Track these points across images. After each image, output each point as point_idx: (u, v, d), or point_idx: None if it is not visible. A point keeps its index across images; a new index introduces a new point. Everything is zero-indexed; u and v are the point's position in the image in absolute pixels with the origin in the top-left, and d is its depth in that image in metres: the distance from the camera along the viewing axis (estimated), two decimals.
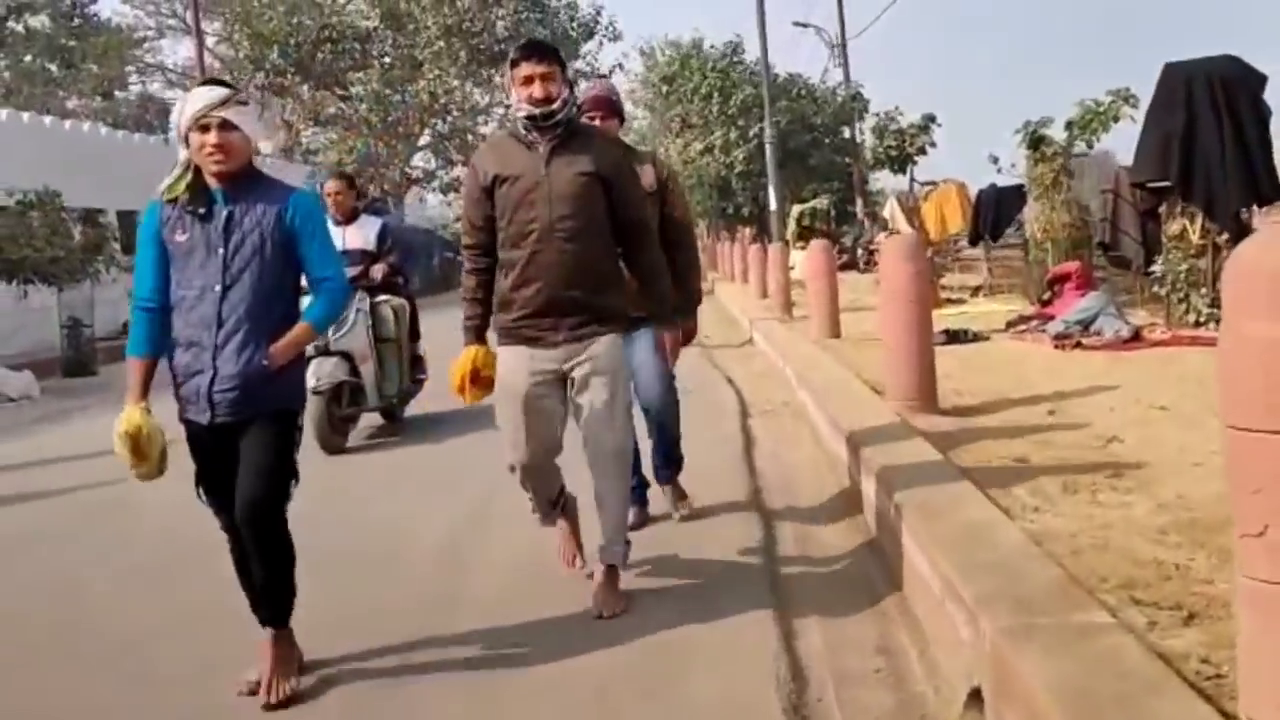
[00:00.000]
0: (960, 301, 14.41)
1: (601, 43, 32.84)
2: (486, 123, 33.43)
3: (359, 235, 7.94)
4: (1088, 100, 12.91)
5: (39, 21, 38.30)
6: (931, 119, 18.81)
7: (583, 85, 5.18)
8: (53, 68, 38.31)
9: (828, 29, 31.71)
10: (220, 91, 3.45)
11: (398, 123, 30.36)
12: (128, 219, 26.00)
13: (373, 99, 29.36)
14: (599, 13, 32.43)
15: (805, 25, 32.34)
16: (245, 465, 3.45)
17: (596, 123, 4.63)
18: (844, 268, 24.46)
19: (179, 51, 42.31)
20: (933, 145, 18.71)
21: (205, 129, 3.38)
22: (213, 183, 3.46)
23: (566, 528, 4.51)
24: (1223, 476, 2.34)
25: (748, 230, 33.39)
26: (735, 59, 30.67)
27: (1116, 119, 12.69)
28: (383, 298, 8.04)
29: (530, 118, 3.86)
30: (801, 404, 7.87)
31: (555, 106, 3.83)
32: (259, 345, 3.42)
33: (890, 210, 20.11)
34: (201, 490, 3.59)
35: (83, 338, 17.01)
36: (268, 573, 3.51)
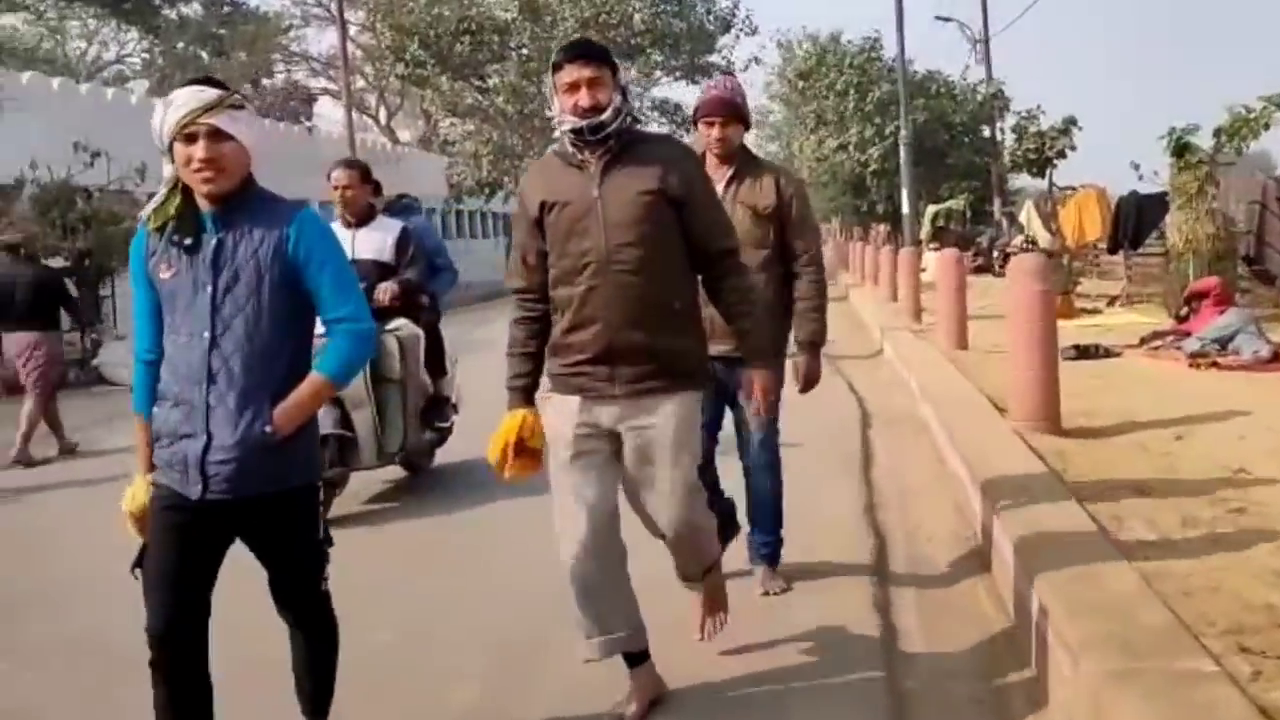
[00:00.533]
0: (1096, 312, 14.02)
1: (738, 36, 32.79)
2: None
3: (372, 242, 6.31)
4: (1238, 106, 12.42)
5: (192, 9, 39.96)
6: (1072, 122, 18.31)
7: (716, 78, 4.51)
8: (204, 55, 39.96)
9: (970, 24, 30.86)
10: (210, 93, 2.81)
11: (533, 115, 30.79)
12: None
13: (509, 91, 29.85)
14: (736, 6, 32.34)
15: (947, 19, 31.67)
16: (274, 563, 2.94)
17: (714, 130, 4.20)
18: (978, 270, 24.00)
19: (323, 41, 43.67)
20: (1073, 149, 18.23)
21: (191, 139, 2.76)
22: (203, 205, 2.84)
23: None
24: None
25: (882, 228, 32.97)
26: (873, 55, 30.24)
27: (1268, 126, 12.18)
28: (393, 324, 6.25)
29: (576, 131, 3.22)
30: (924, 418, 7.81)
31: (606, 117, 3.19)
32: (261, 407, 2.77)
33: (1026, 214, 19.65)
34: (139, 573, 2.85)
35: None
36: (314, 658, 3.05)
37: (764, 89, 36.44)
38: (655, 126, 35.12)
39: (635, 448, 3.29)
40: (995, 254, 25.16)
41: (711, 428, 4.21)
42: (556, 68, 3.26)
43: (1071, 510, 4.48)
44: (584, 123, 3.18)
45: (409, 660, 4.02)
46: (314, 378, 2.86)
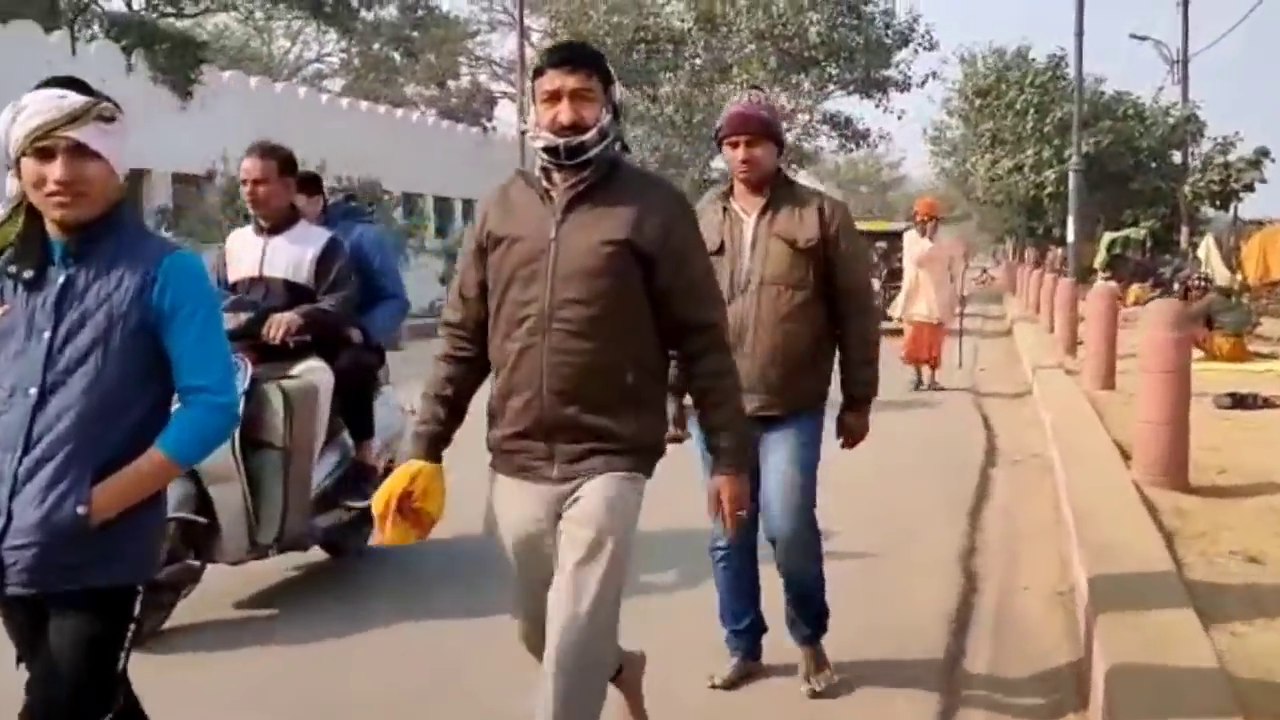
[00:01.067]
0: (1273, 357, 13.20)
1: (916, 51, 32.09)
2: (790, 128, 33.49)
3: (287, 255, 4.87)
4: None
5: (387, 12, 41.62)
6: (1264, 153, 17.28)
7: (742, 94, 3.72)
8: (395, 56, 41.54)
9: (1168, 42, 29.47)
10: (74, 99, 2.25)
11: (701, 124, 30.93)
12: (443, 204, 28.08)
13: (679, 100, 30.06)
14: (916, 20, 31.72)
15: (1143, 38, 30.34)
16: (41, 666, 2.28)
17: (739, 150, 3.56)
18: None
19: (506, 45, 44.85)
20: (1263, 181, 17.19)
21: (47, 155, 2.24)
22: (53, 233, 2.31)
23: (625, 704, 3.19)
24: None
25: (1059, 252, 31.85)
26: (1057, 73, 29.23)
27: None
28: (296, 369, 4.77)
29: (550, 150, 2.67)
30: (1052, 459, 7.55)
31: (588, 137, 2.65)
32: (78, 483, 2.23)
33: (1205, 249, 18.65)
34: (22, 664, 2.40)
35: None
36: None
37: (942, 104, 35.50)
38: (825, 140, 34.84)
39: (561, 527, 2.72)
40: (1177, 287, 23.99)
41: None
42: (538, 73, 2.72)
43: (1166, 573, 4.29)
44: (560, 141, 2.65)
45: None
46: (152, 453, 2.29)
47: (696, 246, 2.86)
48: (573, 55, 2.75)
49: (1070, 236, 18.71)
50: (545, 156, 2.71)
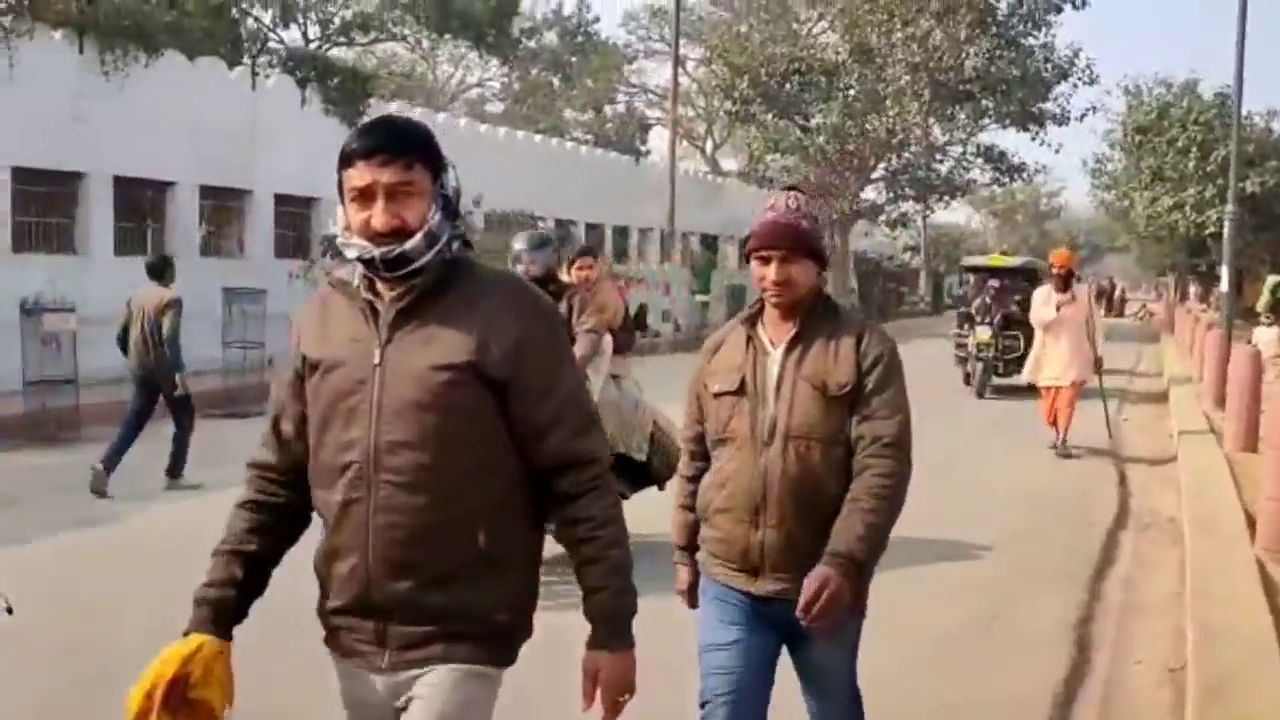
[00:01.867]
0: None
1: (1076, 85, 31.47)
2: (942, 160, 33.23)
3: None
4: None
5: (548, 38, 42.87)
6: None
7: (777, 195, 2.93)
8: (554, 81, 42.77)
9: None
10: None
11: (854, 155, 30.99)
12: (594, 231, 28.82)
13: (830, 131, 30.18)
14: (1076, 54, 31.11)
15: None
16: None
17: (771, 269, 2.78)
18: None
19: (661, 73, 45.60)
20: None
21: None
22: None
23: None
24: None
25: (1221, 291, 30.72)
26: (1224, 110, 28.28)
27: None
28: None
29: (366, 261, 2.09)
30: (1182, 525, 7.54)
31: (411, 246, 2.07)
32: None
33: None
34: None
35: None
36: None
37: (1104, 136, 34.66)
38: (978, 174, 34.40)
39: None
40: None
41: (757, 696, 2.85)
42: (345, 162, 2.11)
43: (1274, 665, 4.38)
44: (376, 252, 2.06)
45: None
46: None
47: (561, 361, 2.23)
48: (388, 142, 2.08)
49: (1224, 285, 18.16)
50: (361, 267, 2.12)
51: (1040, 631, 5.45)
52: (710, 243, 35.26)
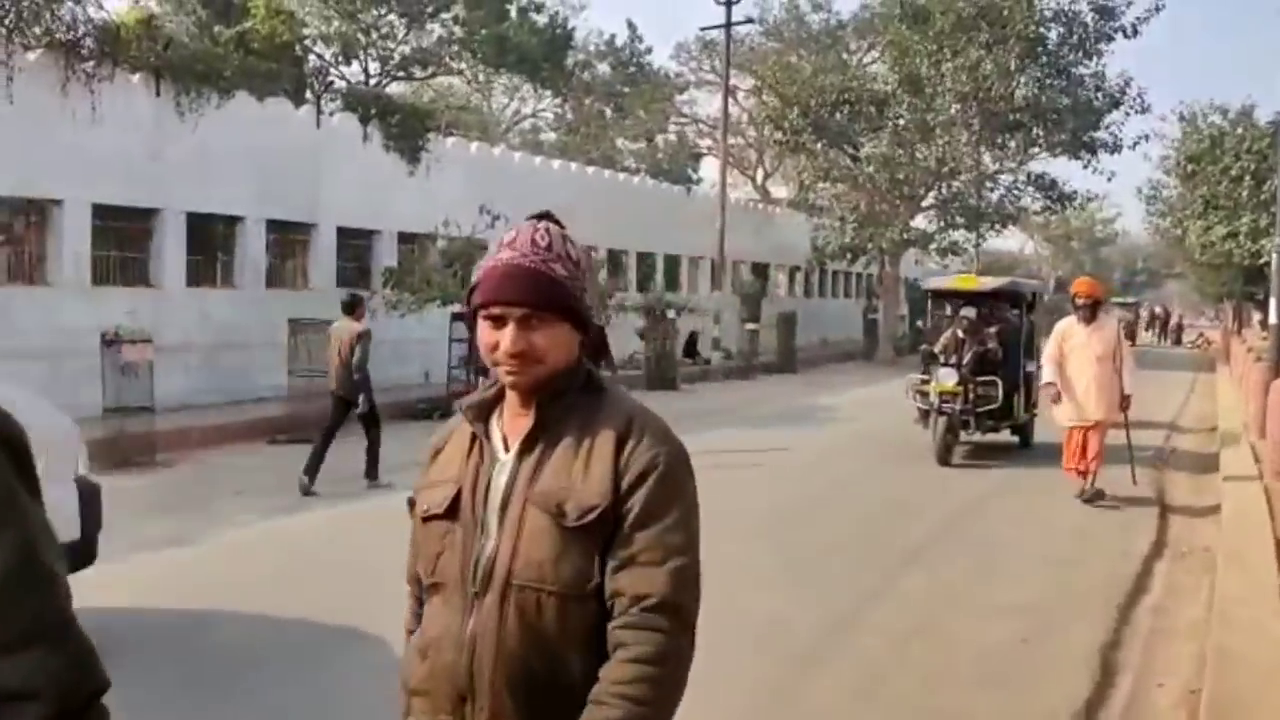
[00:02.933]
0: None
1: (1128, 114, 31.52)
2: (993, 189, 33.33)
3: None
4: None
5: (601, 70, 43.58)
6: None
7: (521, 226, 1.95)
8: (607, 111, 43.43)
9: None
10: None
11: (903, 184, 31.22)
12: (645, 260, 29.28)
13: (880, 161, 30.44)
14: (1128, 83, 31.18)
15: None
16: None
17: (504, 331, 1.86)
18: None
19: (712, 104, 46.10)
20: None
21: None
22: None
23: None
24: None
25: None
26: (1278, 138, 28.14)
27: None
28: None
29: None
30: (1216, 555, 7.76)
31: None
32: None
33: None
34: None
35: None
36: None
37: (1159, 163, 34.57)
38: (1029, 202, 34.43)
39: None
40: None
41: None
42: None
43: (1277, 695, 4.64)
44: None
45: None
46: None
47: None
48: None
49: (1272, 317, 18.14)
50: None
51: (1069, 654, 5.73)
52: (760, 270, 35.58)
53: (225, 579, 6.99)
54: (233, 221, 17.63)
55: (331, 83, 23.42)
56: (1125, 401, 9.91)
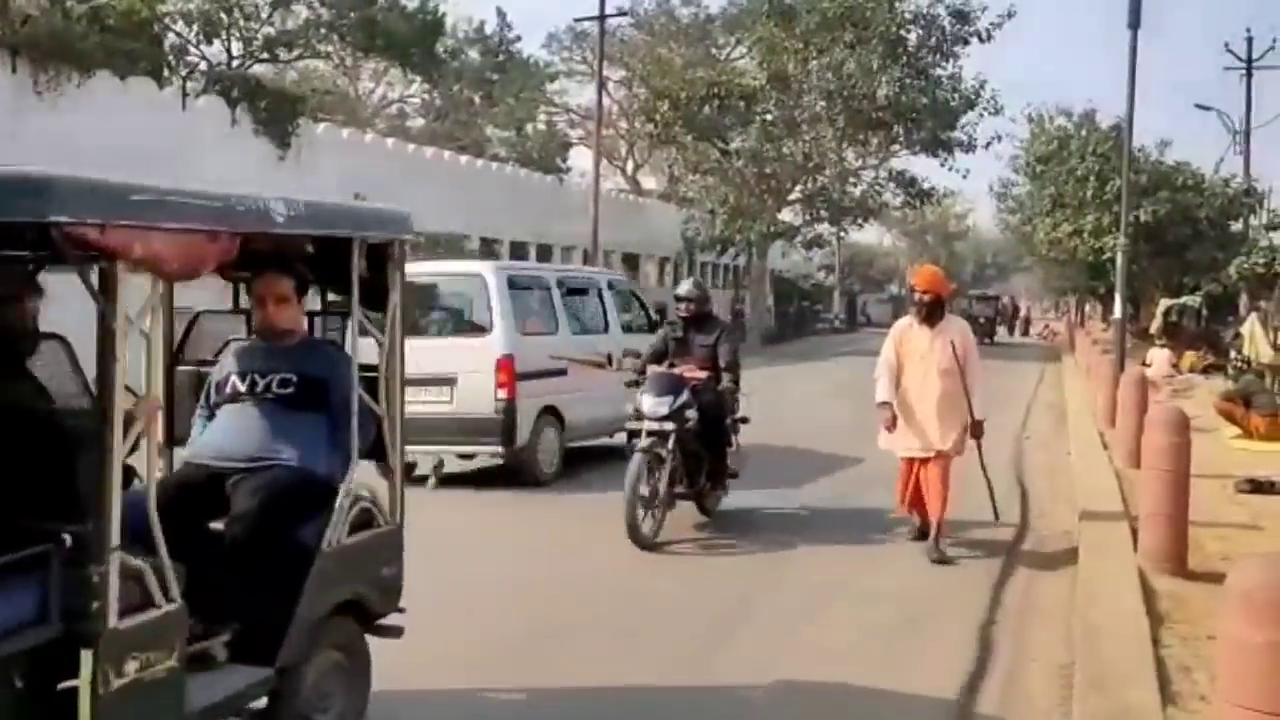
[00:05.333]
0: None
1: (982, 114, 32.92)
2: (856, 184, 34.34)
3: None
4: None
5: (470, 57, 43.24)
6: None
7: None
8: (476, 98, 43.13)
9: (1232, 115, 29.96)
10: None
11: (771, 177, 31.92)
12: (519, 249, 29.25)
13: (749, 155, 31.07)
14: (982, 85, 32.55)
15: (1207, 108, 30.88)
16: None
17: None
18: (1209, 369, 23.33)
19: (583, 94, 46.24)
20: None
21: None
22: None
23: None
24: None
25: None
26: (1119, 141, 29.80)
27: None
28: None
29: None
30: (1075, 539, 8.27)
31: None
32: None
33: (1250, 328, 19.13)
34: None
35: None
36: None
37: (1009, 162, 36.21)
38: (890, 197, 35.61)
39: None
40: (1233, 355, 24.40)
41: None
42: None
43: (1144, 655, 5.06)
44: None
45: None
46: None
47: None
48: None
49: (1116, 312, 19.31)
50: None
51: (949, 635, 6.08)
52: (632, 261, 35.91)
53: None
54: None
55: (195, 64, 22.70)
56: (976, 428, 7.79)
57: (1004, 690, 5.35)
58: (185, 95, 19.14)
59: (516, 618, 6.14)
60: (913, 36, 31.81)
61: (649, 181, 48.61)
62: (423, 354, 8.01)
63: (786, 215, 34.39)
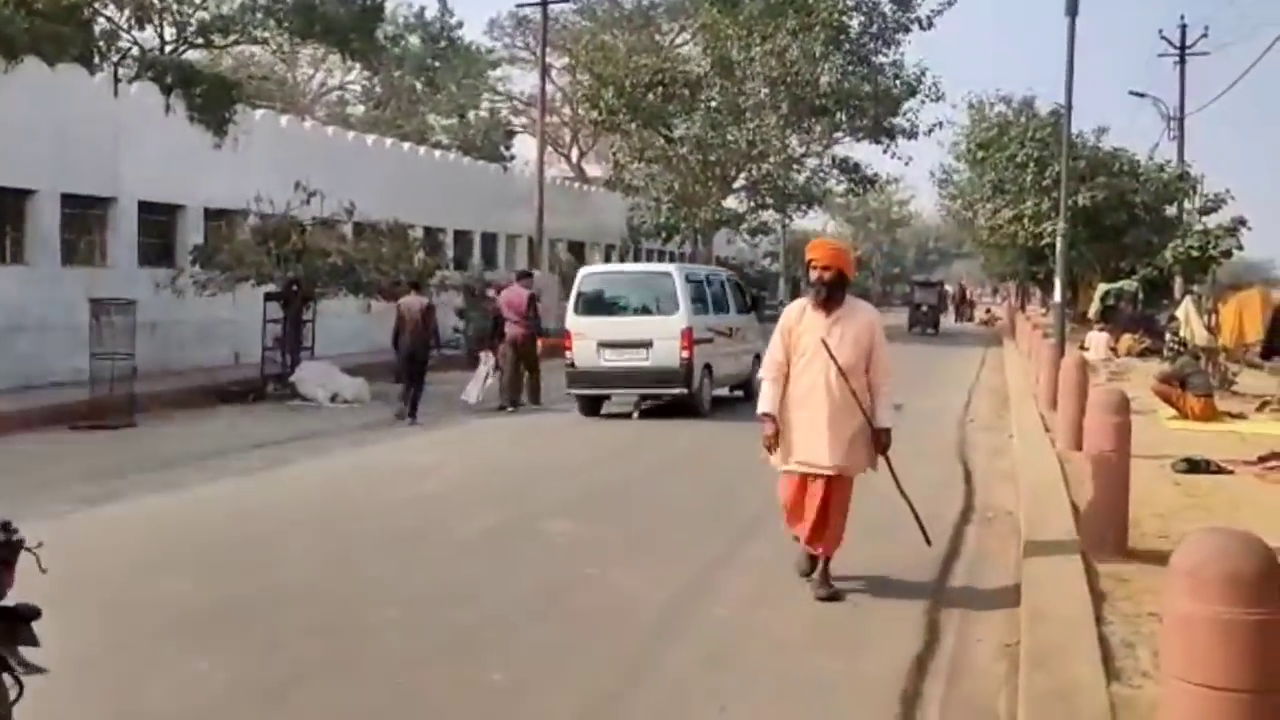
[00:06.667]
0: (1240, 417, 14.01)
1: (924, 101, 33.18)
2: (800, 171, 34.48)
3: None
4: None
5: (411, 43, 42.74)
6: (1241, 222, 18.17)
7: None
8: (418, 85, 42.67)
9: (1166, 101, 30.49)
10: None
11: (715, 165, 31.94)
12: (463, 238, 29.00)
13: (694, 142, 31.05)
14: (924, 72, 32.80)
15: (1141, 95, 31.37)
16: None
17: None
18: (1145, 353, 23.75)
19: (527, 81, 45.97)
20: (1239, 249, 18.06)
21: None
22: None
23: None
24: None
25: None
26: (1058, 127, 30.18)
27: None
28: None
29: None
30: (1019, 519, 8.36)
31: None
32: None
33: (1185, 311, 19.51)
34: None
35: None
36: None
37: (950, 148, 36.57)
38: (834, 184, 35.81)
39: None
40: (1169, 337, 24.91)
41: None
42: None
43: (1088, 633, 5.11)
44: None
45: None
46: None
47: None
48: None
49: (1056, 296, 19.56)
50: None
51: (897, 616, 6.11)
52: (577, 249, 35.78)
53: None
54: (23, 195, 16.60)
55: (126, 50, 22.17)
56: (879, 439, 6.38)
57: (951, 670, 5.38)
58: (117, 82, 18.69)
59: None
60: (855, 23, 31.97)
61: (594, 169, 48.46)
62: (629, 326, 14.48)
63: (731, 202, 34.45)
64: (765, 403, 6.39)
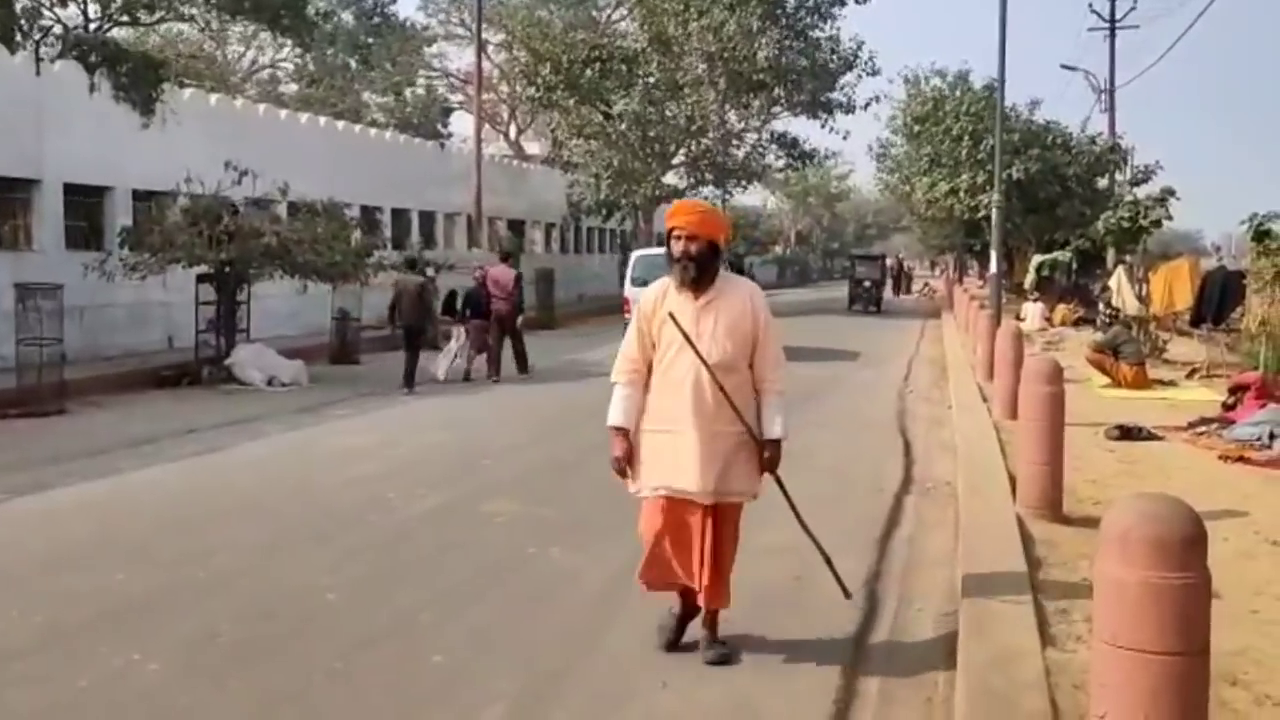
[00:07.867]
0: (1171, 384, 14.32)
1: (860, 76, 33.30)
2: (739, 147, 34.49)
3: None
4: None
5: (344, 20, 42.00)
6: (1170, 192, 18.52)
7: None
8: (352, 63, 41.95)
9: (1097, 74, 30.91)
10: None
11: (655, 141, 31.84)
12: (400, 217, 28.68)
13: (632, 118, 30.92)
14: (860, 47, 32.91)
15: (1073, 69, 31.79)
16: None
17: None
18: (1080, 322, 24.17)
19: (463, 57, 45.48)
20: (1169, 219, 18.42)
21: None
22: None
23: None
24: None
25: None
26: (992, 101, 30.52)
27: None
28: None
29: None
30: (957, 488, 8.47)
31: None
32: None
33: (1117, 281, 19.87)
34: None
35: (349, 329, 19.27)
36: None
37: (887, 123, 36.81)
38: (773, 159, 35.89)
39: None
40: (1102, 307, 25.36)
41: None
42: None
43: (1022, 599, 5.19)
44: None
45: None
46: None
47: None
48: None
49: (993, 267, 19.80)
50: None
51: (836, 586, 6.15)
52: (517, 227, 35.54)
53: None
54: None
55: (49, 27, 21.57)
56: (770, 455, 4.91)
57: (891, 638, 5.45)
58: (40, 61, 18.16)
59: None
60: None
61: (532, 146, 48.11)
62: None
63: (671, 179, 34.34)
64: (616, 413, 4.92)
